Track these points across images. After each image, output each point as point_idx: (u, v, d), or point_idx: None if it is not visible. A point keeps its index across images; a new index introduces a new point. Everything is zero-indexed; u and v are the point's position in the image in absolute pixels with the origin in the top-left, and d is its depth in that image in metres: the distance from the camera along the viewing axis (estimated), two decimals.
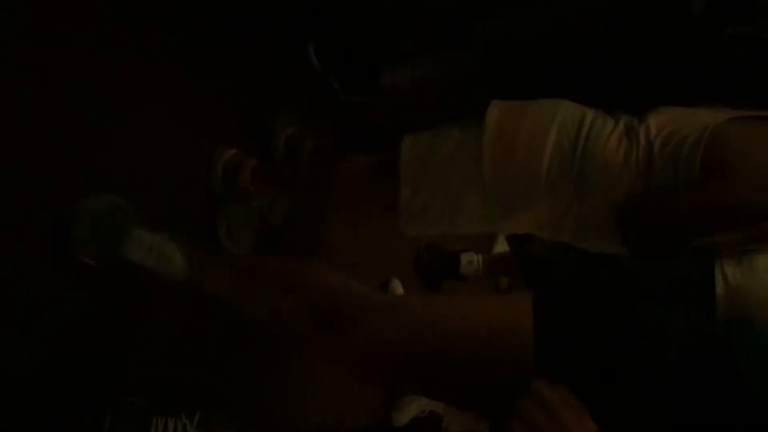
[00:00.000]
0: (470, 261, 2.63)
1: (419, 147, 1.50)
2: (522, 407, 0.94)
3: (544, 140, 1.37)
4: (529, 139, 1.38)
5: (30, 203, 1.33)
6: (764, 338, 1.04)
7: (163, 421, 1.46)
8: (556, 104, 1.43)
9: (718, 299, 1.95)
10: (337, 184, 1.68)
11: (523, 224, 1.46)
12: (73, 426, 1.39)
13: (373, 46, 2.08)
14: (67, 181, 1.39)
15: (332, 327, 1.18)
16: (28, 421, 1.31)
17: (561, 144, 1.36)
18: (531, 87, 1.61)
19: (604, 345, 1.05)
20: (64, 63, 1.38)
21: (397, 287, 2.44)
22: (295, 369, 1.98)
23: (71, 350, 1.40)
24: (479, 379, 1.09)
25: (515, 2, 1.88)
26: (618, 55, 1.68)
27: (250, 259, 1.74)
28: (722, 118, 1.31)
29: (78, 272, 1.40)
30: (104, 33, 1.46)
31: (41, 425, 1.32)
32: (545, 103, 1.45)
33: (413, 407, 2.40)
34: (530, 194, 1.39)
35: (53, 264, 1.36)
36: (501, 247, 3.25)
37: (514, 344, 1.07)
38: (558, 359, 1.05)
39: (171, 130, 1.63)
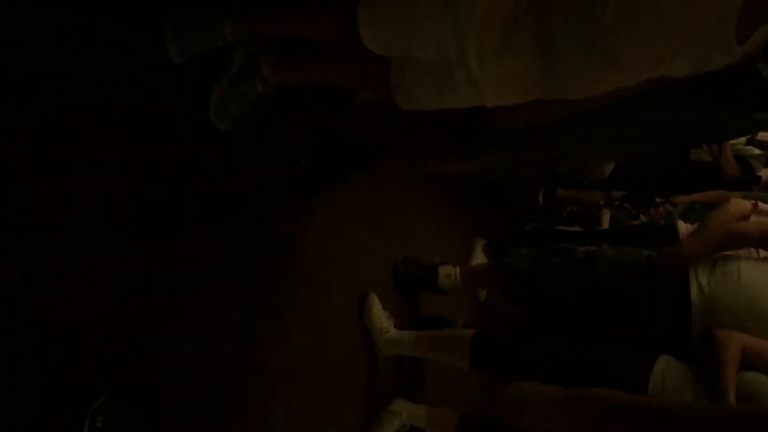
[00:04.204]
0: (448, 274, 2.63)
1: None
2: None
3: None
4: None
5: None
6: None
7: None
8: None
9: (693, 308, 1.99)
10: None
11: None
12: None
13: None
14: None
15: None
16: None
17: None
18: None
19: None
20: None
21: (374, 302, 2.43)
22: (279, 388, 1.97)
23: None
24: None
25: None
26: None
27: None
28: None
29: None
30: None
31: None
32: None
33: (394, 422, 2.39)
34: None
35: None
36: (479, 259, 3.27)
37: None
38: None
39: None
